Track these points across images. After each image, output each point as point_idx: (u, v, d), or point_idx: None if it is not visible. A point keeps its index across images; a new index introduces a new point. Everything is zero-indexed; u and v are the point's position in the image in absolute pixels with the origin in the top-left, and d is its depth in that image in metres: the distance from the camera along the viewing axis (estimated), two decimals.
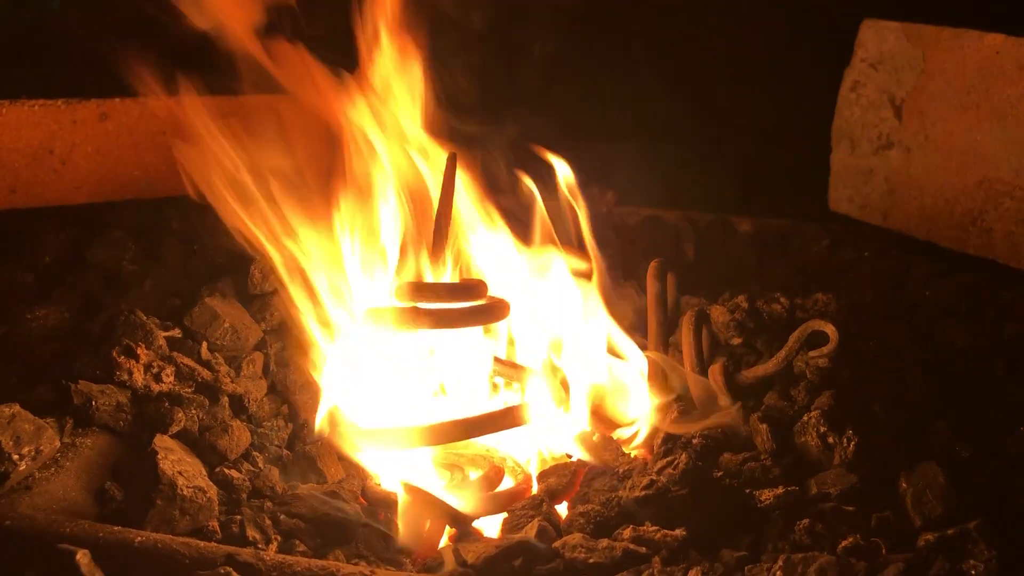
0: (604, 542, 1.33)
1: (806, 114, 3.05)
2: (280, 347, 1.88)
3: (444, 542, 1.52)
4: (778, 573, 1.24)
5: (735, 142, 3.20)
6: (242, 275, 1.98)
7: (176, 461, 1.42)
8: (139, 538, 1.28)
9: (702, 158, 3.17)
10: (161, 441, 1.49)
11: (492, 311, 1.58)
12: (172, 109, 2.57)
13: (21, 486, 1.37)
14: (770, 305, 1.93)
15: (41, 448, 1.40)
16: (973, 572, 1.31)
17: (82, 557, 1.22)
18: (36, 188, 2.45)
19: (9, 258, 2.18)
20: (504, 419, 1.53)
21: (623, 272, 2.61)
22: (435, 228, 1.59)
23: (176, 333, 1.80)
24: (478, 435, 1.54)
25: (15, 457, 1.37)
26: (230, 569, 1.18)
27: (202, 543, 1.29)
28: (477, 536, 1.52)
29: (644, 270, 2.69)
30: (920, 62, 2.68)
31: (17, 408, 1.42)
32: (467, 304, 1.57)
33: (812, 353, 1.69)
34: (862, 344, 1.89)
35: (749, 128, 3.21)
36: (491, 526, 1.54)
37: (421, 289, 1.56)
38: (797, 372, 1.76)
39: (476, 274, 1.73)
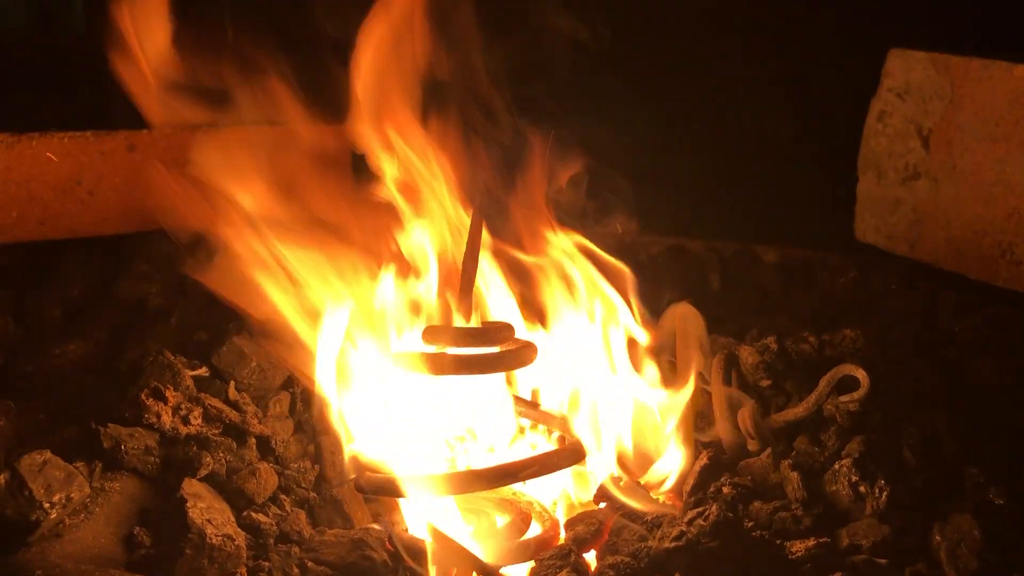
0: None
1: (832, 142, 3.04)
2: (304, 386, 1.88)
3: None
4: None
5: (759, 169, 3.19)
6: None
7: (205, 509, 1.42)
8: None
9: (726, 185, 3.16)
10: (189, 487, 1.49)
11: (518, 356, 1.57)
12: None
13: (52, 533, 1.37)
14: (798, 344, 1.91)
15: (71, 495, 1.41)
16: None
17: None
18: (64, 220, 2.47)
19: (37, 291, 2.19)
20: (532, 467, 1.52)
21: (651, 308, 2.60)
22: (462, 277, 1.59)
23: (204, 372, 1.81)
24: (508, 483, 1.54)
25: (46, 505, 1.37)
26: None
27: None
28: None
29: (666, 302, 2.69)
30: (948, 92, 2.66)
31: (48, 455, 1.42)
32: (492, 349, 1.57)
33: (843, 398, 1.68)
34: (892, 385, 1.87)
35: (773, 155, 3.20)
36: (519, 575, 1.53)
37: (446, 334, 1.56)
38: (827, 415, 1.74)
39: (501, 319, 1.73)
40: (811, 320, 2.63)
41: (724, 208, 3.07)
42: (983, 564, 1.39)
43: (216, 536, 1.39)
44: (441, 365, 1.52)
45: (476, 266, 1.64)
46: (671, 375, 1.74)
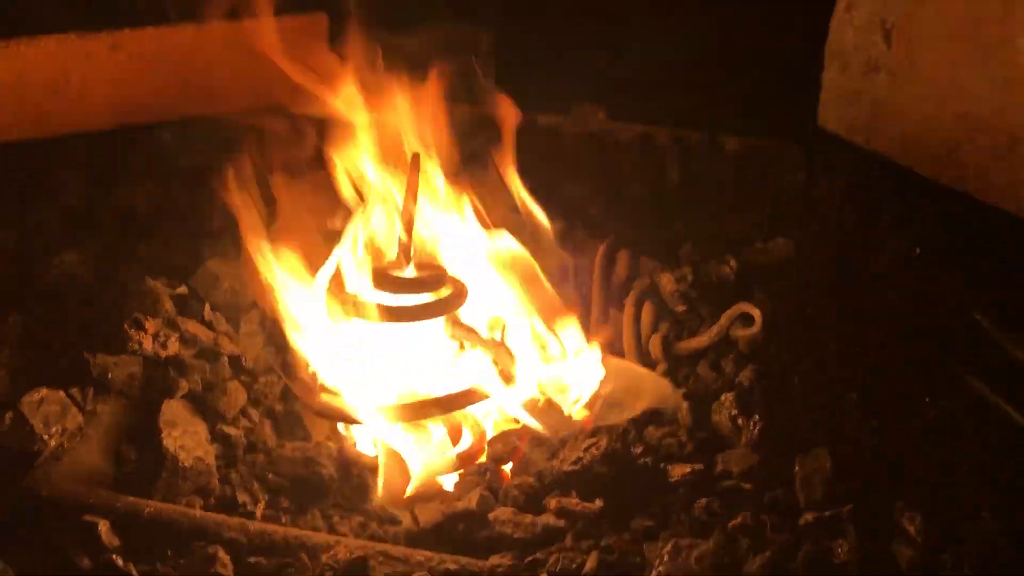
0: (528, 518, 1.60)
1: (805, 30, 3.07)
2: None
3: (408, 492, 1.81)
4: (665, 556, 1.50)
5: (731, 56, 3.23)
6: None
7: (178, 436, 1.70)
8: (148, 509, 1.58)
9: (702, 73, 3.21)
10: (168, 409, 1.76)
11: (451, 302, 1.79)
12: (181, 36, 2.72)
13: (53, 456, 1.66)
14: (720, 268, 2.10)
15: (67, 426, 1.69)
16: (838, 551, 1.56)
17: (103, 527, 1.52)
18: (56, 118, 2.63)
19: (35, 196, 2.39)
20: (468, 397, 1.78)
21: (610, 197, 2.76)
22: (403, 224, 1.78)
23: (183, 291, 2.04)
24: (446, 412, 1.79)
25: (46, 437, 1.66)
26: (218, 547, 1.47)
27: (198, 514, 1.58)
28: (436, 489, 1.80)
29: (631, 194, 2.86)
30: None
31: (45, 391, 1.69)
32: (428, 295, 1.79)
33: (739, 332, 1.89)
34: (800, 307, 2.07)
35: (748, 41, 3.23)
36: (448, 481, 1.82)
37: (387, 282, 1.78)
38: (732, 340, 1.96)
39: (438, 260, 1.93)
40: (756, 213, 2.78)
41: (693, 95, 3.15)
42: (828, 493, 1.64)
43: (188, 459, 1.67)
44: (384, 314, 1.75)
45: (414, 207, 1.82)
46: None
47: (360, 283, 1.81)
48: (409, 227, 1.82)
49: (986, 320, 2.10)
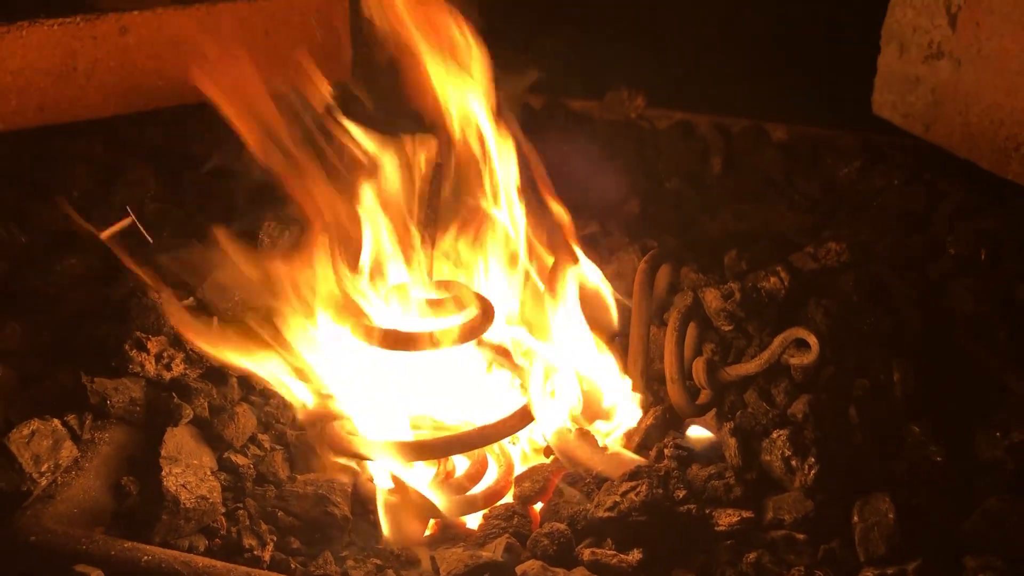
0: (561, 572, 1.46)
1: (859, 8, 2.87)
2: None
3: (429, 530, 1.67)
4: None
5: (779, 37, 3.03)
6: (252, 235, 2.06)
7: (180, 473, 1.57)
8: (146, 557, 1.45)
9: (741, 53, 3.02)
10: (171, 439, 1.63)
11: (478, 329, 1.64)
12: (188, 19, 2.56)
13: (45, 495, 1.53)
14: (768, 280, 1.92)
15: (60, 462, 1.56)
16: None
17: None
18: (64, 104, 2.50)
19: (39, 195, 2.27)
20: (496, 431, 1.64)
21: (647, 191, 2.59)
22: (423, 241, 1.63)
23: (191, 303, 1.91)
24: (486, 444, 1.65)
25: (36, 476, 1.53)
26: None
27: (200, 562, 1.45)
28: (459, 528, 1.67)
29: (671, 188, 2.67)
30: None
31: (36, 424, 1.56)
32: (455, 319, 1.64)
33: (793, 361, 1.72)
34: (857, 322, 1.90)
35: (797, 25, 3.03)
36: (472, 519, 1.68)
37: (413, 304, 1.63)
38: (783, 364, 1.79)
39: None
40: (808, 211, 2.61)
41: (738, 79, 2.96)
42: (891, 549, 1.48)
43: (190, 500, 1.54)
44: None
45: (436, 227, 1.67)
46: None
47: (382, 306, 1.66)
48: (430, 239, 1.67)
49: None
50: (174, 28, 2.56)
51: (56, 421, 1.60)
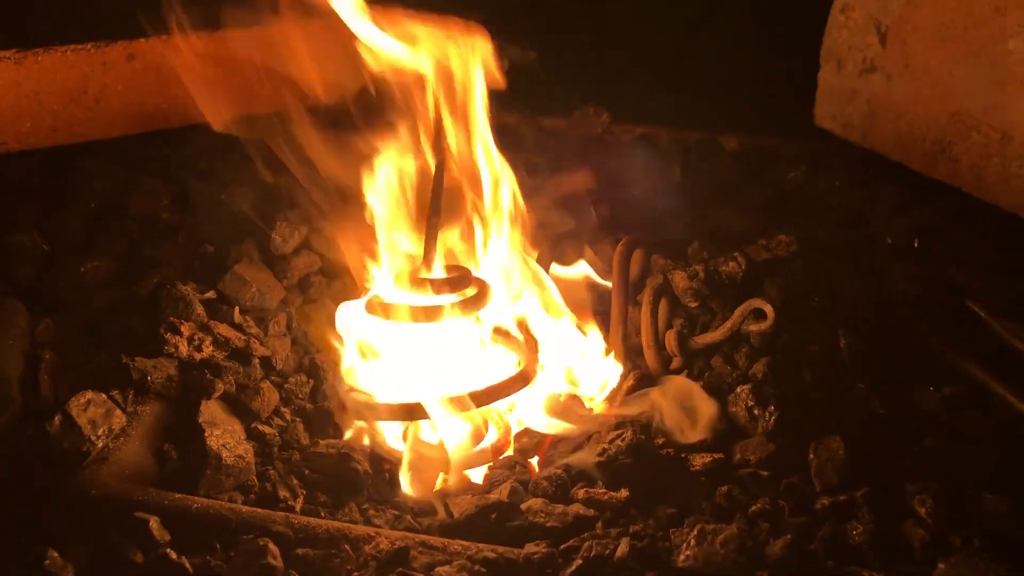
0: (560, 508, 1.68)
1: (801, 32, 3.17)
2: (300, 303, 2.18)
3: (438, 485, 1.88)
4: (692, 540, 1.58)
5: (729, 58, 3.32)
6: (264, 236, 2.26)
7: (219, 435, 1.77)
8: (196, 504, 1.64)
9: (699, 76, 3.30)
10: (206, 409, 1.83)
11: (477, 301, 1.87)
12: (194, 45, 2.77)
13: (100, 457, 1.72)
14: (728, 264, 2.17)
15: (112, 427, 1.75)
16: (853, 532, 1.65)
17: (154, 523, 1.59)
18: (74, 126, 2.69)
19: (58, 205, 2.45)
20: (513, 385, 1.85)
21: (615, 196, 2.85)
22: (427, 230, 1.85)
23: (211, 295, 2.10)
24: (479, 406, 1.86)
25: (93, 438, 1.72)
26: (267, 540, 1.54)
27: (244, 509, 1.65)
28: (467, 483, 1.88)
29: (635, 192, 2.93)
30: None
31: (90, 394, 1.75)
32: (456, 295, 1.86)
33: (752, 328, 1.97)
34: (808, 298, 2.15)
35: (745, 43, 3.33)
36: (477, 475, 1.89)
37: (418, 283, 1.86)
38: (744, 333, 2.04)
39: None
40: (759, 212, 2.88)
41: (694, 97, 3.23)
42: (842, 479, 1.72)
43: (230, 457, 1.74)
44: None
45: (440, 219, 1.90)
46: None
47: (390, 285, 1.88)
48: (435, 232, 1.89)
49: (979, 307, 2.20)
50: (178, 53, 2.77)
51: (104, 395, 1.79)
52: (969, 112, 2.68)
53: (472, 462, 1.85)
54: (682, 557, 1.57)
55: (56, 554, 1.47)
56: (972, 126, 2.69)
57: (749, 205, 2.91)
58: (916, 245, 2.53)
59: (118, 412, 1.78)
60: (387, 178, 1.98)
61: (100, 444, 1.72)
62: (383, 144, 1.95)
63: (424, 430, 1.88)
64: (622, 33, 3.42)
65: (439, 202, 1.87)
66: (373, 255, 1.95)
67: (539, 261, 2.11)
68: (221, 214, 2.44)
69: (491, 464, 1.86)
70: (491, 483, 1.80)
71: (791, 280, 2.19)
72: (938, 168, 2.78)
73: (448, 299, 1.85)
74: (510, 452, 1.90)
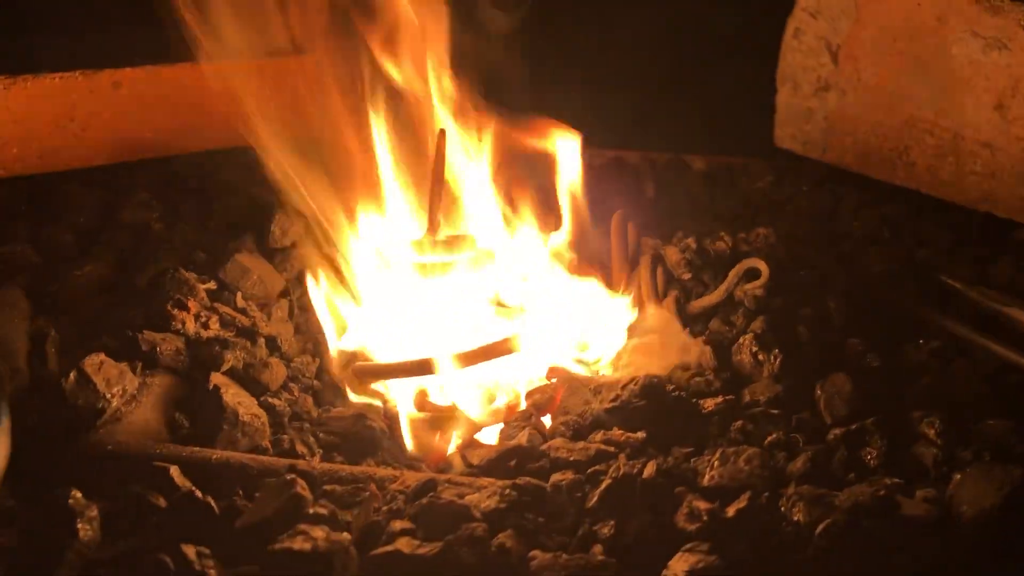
0: (581, 444, 1.69)
1: (757, 57, 3.36)
2: (300, 294, 2.20)
3: (452, 449, 1.88)
4: (715, 463, 1.61)
5: (692, 83, 3.50)
6: (260, 232, 2.29)
7: (235, 394, 1.76)
8: (215, 455, 1.62)
9: (662, 100, 3.47)
10: (217, 378, 1.82)
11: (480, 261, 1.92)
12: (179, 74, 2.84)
13: (113, 418, 1.69)
14: (715, 243, 2.26)
15: (126, 387, 1.73)
16: (868, 457, 1.69)
17: (174, 471, 1.56)
18: (61, 153, 2.72)
19: (48, 219, 2.45)
20: (498, 348, 1.88)
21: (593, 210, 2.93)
22: (430, 199, 1.91)
23: (212, 285, 2.11)
24: (479, 362, 1.88)
25: (108, 396, 1.70)
26: (295, 475, 1.52)
27: (265, 457, 1.63)
28: (479, 445, 1.88)
29: (612, 208, 3.03)
30: (853, 11, 2.98)
31: (103, 356, 1.74)
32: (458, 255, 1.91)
33: (748, 286, 2.04)
34: (794, 274, 2.24)
35: (704, 71, 3.51)
36: (490, 436, 1.89)
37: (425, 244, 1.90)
38: (737, 301, 2.11)
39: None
40: (732, 220, 2.99)
41: (660, 122, 3.38)
42: (852, 411, 1.77)
43: (247, 414, 1.73)
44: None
45: (442, 187, 1.96)
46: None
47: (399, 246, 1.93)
48: (437, 200, 1.95)
49: (954, 280, 2.30)
50: (162, 84, 2.83)
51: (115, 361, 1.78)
52: (922, 117, 2.86)
53: (490, 419, 1.86)
54: (707, 478, 1.59)
55: (79, 493, 1.44)
56: (926, 130, 2.86)
57: (720, 214, 3.02)
58: (886, 235, 2.66)
59: (130, 375, 1.76)
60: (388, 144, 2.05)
61: (115, 403, 1.70)
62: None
63: (435, 393, 1.89)
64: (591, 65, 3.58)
65: (441, 170, 1.93)
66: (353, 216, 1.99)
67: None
68: (213, 223, 2.46)
69: (504, 422, 1.87)
70: (508, 435, 1.81)
71: (776, 260, 2.28)
72: (897, 173, 2.94)
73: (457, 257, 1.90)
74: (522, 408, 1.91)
